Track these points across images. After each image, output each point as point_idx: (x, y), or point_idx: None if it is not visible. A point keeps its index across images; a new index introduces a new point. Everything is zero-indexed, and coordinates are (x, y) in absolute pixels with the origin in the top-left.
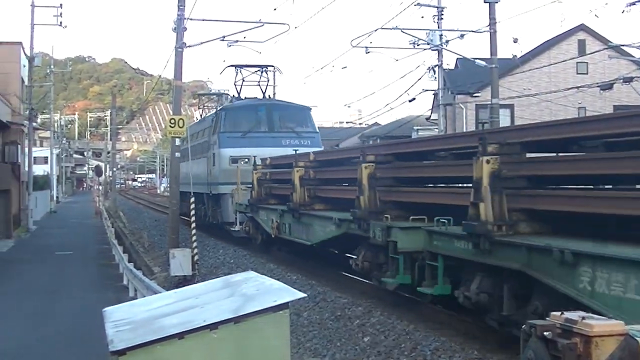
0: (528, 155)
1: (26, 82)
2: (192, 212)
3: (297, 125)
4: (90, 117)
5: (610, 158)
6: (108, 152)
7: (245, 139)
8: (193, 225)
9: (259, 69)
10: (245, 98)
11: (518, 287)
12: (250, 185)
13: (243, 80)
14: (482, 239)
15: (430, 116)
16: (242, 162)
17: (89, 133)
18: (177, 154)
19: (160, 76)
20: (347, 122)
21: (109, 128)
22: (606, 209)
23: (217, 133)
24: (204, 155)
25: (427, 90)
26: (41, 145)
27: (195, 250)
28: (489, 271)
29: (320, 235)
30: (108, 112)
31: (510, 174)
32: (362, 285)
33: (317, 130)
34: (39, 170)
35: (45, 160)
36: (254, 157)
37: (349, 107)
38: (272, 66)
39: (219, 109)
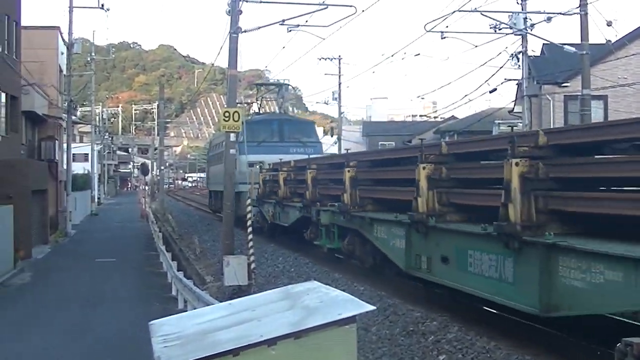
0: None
1: (64, 71)
2: (249, 216)
3: (303, 136)
4: (135, 110)
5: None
6: (155, 149)
7: (260, 147)
8: (249, 229)
9: (275, 87)
10: (265, 112)
11: (361, 239)
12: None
13: (262, 98)
14: (346, 214)
15: (513, 109)
16: (257, 166)
17: (134, 127)
18: (232, 151)
19: (213, 64)
20: (420, 116)
21: (156, 122)
22: (391, 195)
23: (237, 142)
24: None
25: (509, 79)
26: (81, 141)
27: (252, 258)
28: (351, 232)
29: (291, 219)
30: (155, 104)
31: (361, 177)
32: (437, 297)
33: (320, 140)
34: (78, 168)
35: (85, 157)
36: (263, 162)
37: (422, 98)
38: (288, 85)
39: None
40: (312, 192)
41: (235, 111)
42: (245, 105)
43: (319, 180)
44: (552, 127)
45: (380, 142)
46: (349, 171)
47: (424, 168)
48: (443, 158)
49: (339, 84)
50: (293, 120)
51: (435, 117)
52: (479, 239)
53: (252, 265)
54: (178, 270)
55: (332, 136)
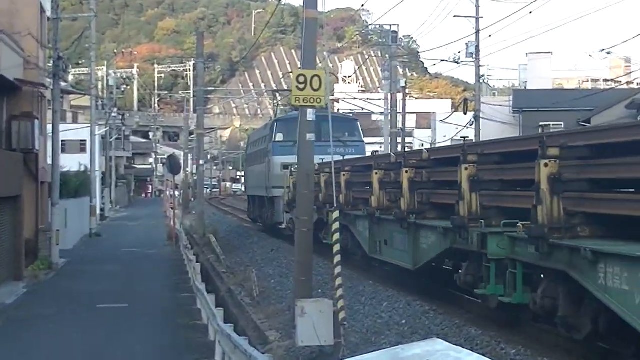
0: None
1: (49, 14)
2: (336, 237)
3: (343, 135)
4: (159, 74)
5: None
6: (191, 133)
7: (295, 147)
8: (337, 259)
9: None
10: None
11: (351, 234)
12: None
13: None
14: (341, 212)
15: None
16: (289, 169)
17: (156, 100)
18: (310, 136)
19: (279, 2)
20: (605, 81)
21: (191, 92)
22: (364, 195)
23: (271, 142)
24: (262, 162)
25: None
26: (75, 121)
27: (341, 303)
28: (345, 228)
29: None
30: (190, 65)
31: (353, 180)
32: None
33: (363, 139)
34: (71, 162)
35: (82, 146)
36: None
37: (608, 53)
38: (332, 73)
39: (274, 120)
40: (324, 195)
41: (315, 75)
42: (331, 66)
43: (330, 183)
44: None
45: (540, 122)
46: (344, 175)
47: (376, 173)
48: (390, 165)
49: (477, 32)
50: (333, 117)
51: (629, 83)
52: (395, 224)
53: (342, 315)
54: (226, 322)
55: (465, 113)
